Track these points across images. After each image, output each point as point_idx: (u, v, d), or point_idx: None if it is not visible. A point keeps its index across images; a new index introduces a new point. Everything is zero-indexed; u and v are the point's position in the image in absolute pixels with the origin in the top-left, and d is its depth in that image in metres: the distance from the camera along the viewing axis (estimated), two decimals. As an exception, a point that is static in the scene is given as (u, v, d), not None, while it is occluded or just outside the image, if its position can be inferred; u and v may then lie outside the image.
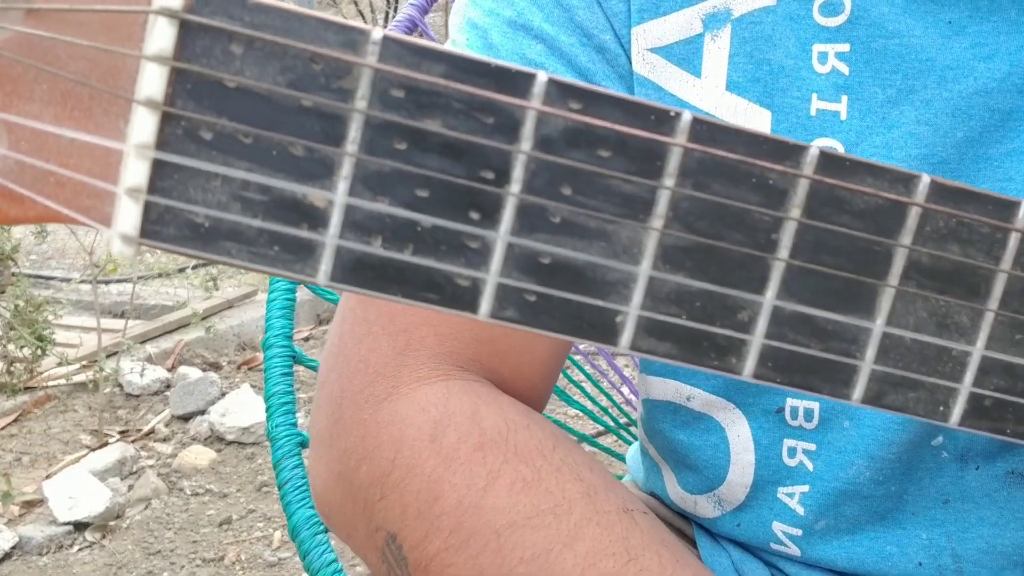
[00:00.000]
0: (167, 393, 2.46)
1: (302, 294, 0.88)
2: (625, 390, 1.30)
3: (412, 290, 0.26)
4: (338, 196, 0.25)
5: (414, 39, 0.24)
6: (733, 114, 0.51)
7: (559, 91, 0.26)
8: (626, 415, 1.20)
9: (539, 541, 0.46)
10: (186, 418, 2.34)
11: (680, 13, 0.52)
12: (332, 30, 0.24)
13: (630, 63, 0.52)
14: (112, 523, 1.94)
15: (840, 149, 0.50)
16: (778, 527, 0.56)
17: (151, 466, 2.13)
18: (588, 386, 1.19)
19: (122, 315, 2.74)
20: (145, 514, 1.97)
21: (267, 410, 0.77)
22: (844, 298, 0.30)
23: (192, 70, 0.23)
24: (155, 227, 0.23)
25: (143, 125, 0.23)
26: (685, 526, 0.63)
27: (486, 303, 0.27)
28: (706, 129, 0.27)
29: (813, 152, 0.28)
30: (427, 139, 0.25)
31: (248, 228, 0.24)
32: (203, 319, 2.73)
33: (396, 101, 0.25)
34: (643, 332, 0.28)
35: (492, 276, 0.26)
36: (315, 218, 0.25)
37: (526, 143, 0.26)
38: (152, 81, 0.23)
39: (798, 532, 0.56)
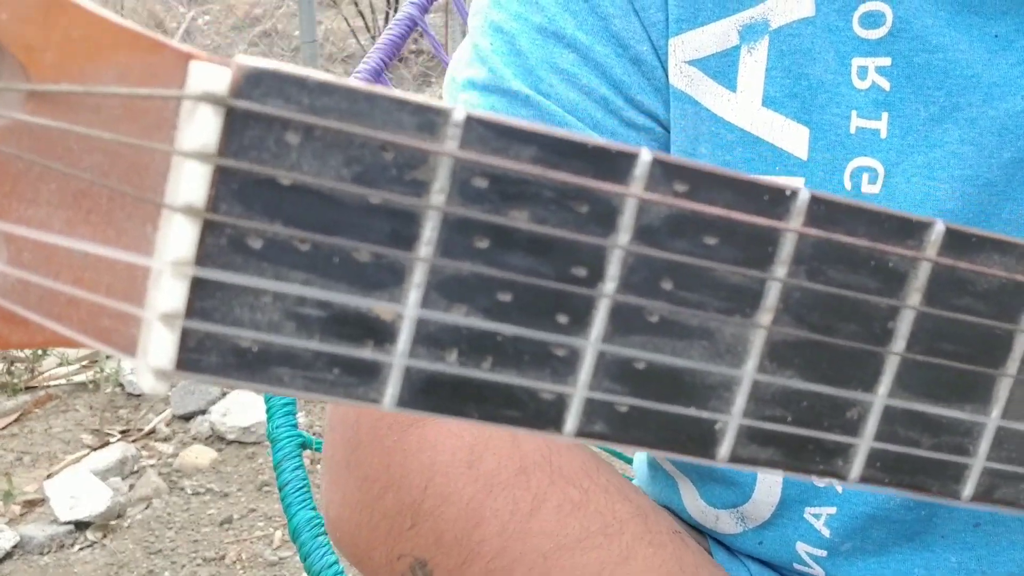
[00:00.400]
0: (168, 393, 2.42)
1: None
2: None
3: (490, 409, 0.22)
4: (408, 308, 0.21)
5: (499, 118, 0.20)
6: (769, 131, 0.48)
7: (664, 173, 0.22)
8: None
9: (591, 562, 0.45)
10: (187, 418, 2.31)
11: (717, 24, 0.48)
12: (407, 111, 0.20)
13: (666, 76, 0.49)
14: (113, 522, 1.92)
15: (879, 169, 0.47)
16: (802, 548, 0.54)
17: (152, 465, 2.11)
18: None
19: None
20: (146, 513, 1.95)
21: (267, 411, 0.75)
22: (959, 389, 0.26)
23: (240, 168, 0.19)
24: (194, 356, 0.19)
25: (181, 237, 0.18)
26: (701, 540, 0.61)
27: (572, 419, 0.23)
28: (824, 209, 0.23)
29: (939, 229, 0.25)
30: (512, 235, 0.21)
31: (304, 351, 0.20)
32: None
33: (478, 193, 0.21)
34: (744, 440, 0.25)
35: (580, 388, 0.23)
36: (381, 334, 0.21)
37: (624, 235, 0.22)
38: (192, 183, 0.18)
39: (823, 553, 0.54)
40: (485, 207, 0.21)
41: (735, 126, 0.49)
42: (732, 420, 0.24)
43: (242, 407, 2.28)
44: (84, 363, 2.51)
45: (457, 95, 0.51)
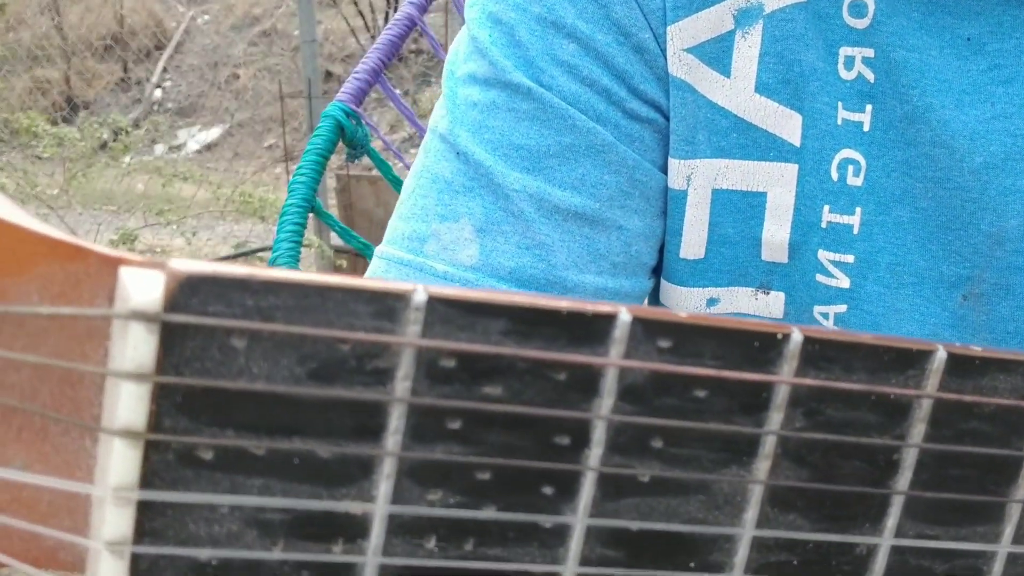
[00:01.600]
0: None
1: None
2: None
3: (476, 594, 0.20)
4: (379, 503, 0.19)
5: (463, 293, 0.19)
6: (763, 117, 0.47)
7: (645, 331, 0.20)
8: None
9: None
10: None
11: (712, 9, 0.47)
12: (363, 300, 0.18)
13: (666, 64, 0.48)
14: None
15: (862, 162, 0.46)
16: None
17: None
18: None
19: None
20: None
21: None
22: (970, 514, 0.25)
23: (182, 383, 0.17)
24: (146, 581, 0.18)
25: (121, 462, 0.17)
26: None
27: (566, 593, 0.21)
28: (818, 349, 0.22)
29: (940, 356, 0.23)
30: (487, 412, 0.20)
31: (268, 560, 0.18)
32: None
33: (447, 373, 0.19)
34: (751, 591, 0.23)
35: (572, 561, 0.21)
36: (352, 530, 0.19)
37: (608, 399, 0.20)
38: (130, 405, 0.17)
39: None
40: (455, 388, 0.19)
41: (729, 112, 0.48)
42: (735, 572, 0.23)
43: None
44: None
45: (457, 90, 0.49)
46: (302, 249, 0.88)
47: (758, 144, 0.48)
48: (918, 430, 0.23)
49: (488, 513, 0.20)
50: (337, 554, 0.19)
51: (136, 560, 0.17)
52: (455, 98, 0.49)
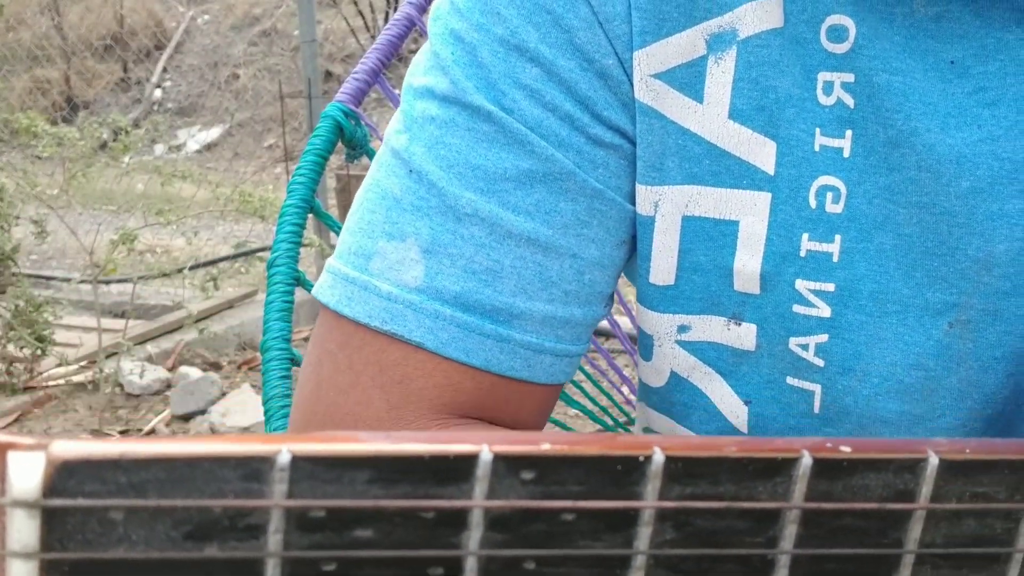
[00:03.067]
0: (167, 393, 2.44)
1: (300, 295, 0.85)
2: (625, 390, 1.27)
3: None
4: (262, 644, 0.21)
5: (326, 449, 0.20)
6: (736, 144, 0.47)
7: (507, 467, 0.22)
8: (626, 414, 1.18)
9: None
10: (186, 418, 2.33)
11: (683, 34, 0.46)
12: (229, 466, 0.20)
13: (632, 90, 0.47)
14: None
15: (842, 189, 0.46)
16: None
17: (152, 465, 2.15)
18: (588, 386, 1.16)
19: (122, 315, 2.72)
20: None
21: (265, 413, 0.74)
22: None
23: (66, 558, 0.19)
24: None
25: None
26: None
27: None
28: (682, 467, 0.23)
29: (806, 463, 0.25)
30: (359, 553, 0.21)
31: None
32: (204, 319, 2.72)
33: (317, 523, 0.21)
34: None
35: None
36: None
37: (476, 531, 0.22)
38: (16, 581, 0.18)
39: None
40: (327, 535, 0.21)
41: (702, 139, 0.47)
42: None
43: (241, 407, 2.27)
44: (83, 363, 2.52)
45: (415, 103, 0.49)
46: (302, 249, 0.89)
47: (731, 171, 0.47)
48: (790, 531, 0.25)
49: (366, 645, 0.21)
50: None
51: None
52: (412, 112, 0.48)
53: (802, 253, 0.46)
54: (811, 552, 0.25)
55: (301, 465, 0.20)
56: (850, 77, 0.45)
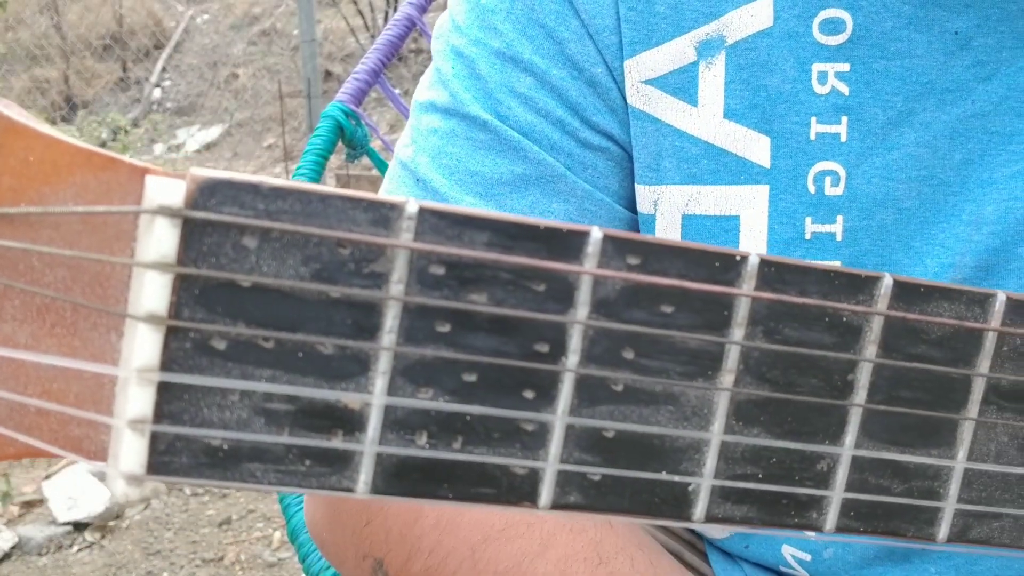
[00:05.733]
0: None
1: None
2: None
3: (464, 488, 0.22)
4: (375, 396, 0.21)
5: (452, 208, 0.21)
6: (732, 142, 0.49)
7: (615, 248, 0.23)
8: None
9: (512, 553, 0.46)
10: None
11: (672, 43, 0.49)
12: (360, 208, 0.20)
13: (623, 97, 0.50)
14: (112, 523, 1.92)
15: (841, 172, 0.48)
16: (788, 550, 0.55)
17: (154, 465, 2.14)
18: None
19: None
20: (145, 514, 1.95)
21: None
22: (924, 434, 0.27)
23: (200, 274, 0.19)
24: (164, 459, 0.20)
25: (144, 344, 0.19)
26: (697, 541, 0.62)
27: (546, 492, 0.23)
28: (775, 271, 0.24)
29: (887, 283, 0.25)
30: (473, 317, 0.22)
31: (274, 445, 0.20)
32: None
33: (436, 279, 0.21)
34: (718, 499, 0.25)
35: (552, 461, 0.23)
36: (351, 423, 0.21)
37: (582, 309, 0.22)
38: (153, 292, 0.19)
39: (807, 557, 0.54)
40: (444, 293, 0.21)
41: (698, 139, 0.50)
42: (704, 481, 0.25)
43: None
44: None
45: (421, 117, 0.53)
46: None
47: (729, 168, 0.49)
48: (870, 351, 0.25)
49: (476, 408, 0.22)
50: (337, 443, 0.21)
51: (155, 439, 0.20)
52: (418, 125, 0.52)
53: (807, 236, 0.49)
54: (891, 364, 0.25)
55: (427, 217, 0.21)
56: (845, 67, 0.47)
